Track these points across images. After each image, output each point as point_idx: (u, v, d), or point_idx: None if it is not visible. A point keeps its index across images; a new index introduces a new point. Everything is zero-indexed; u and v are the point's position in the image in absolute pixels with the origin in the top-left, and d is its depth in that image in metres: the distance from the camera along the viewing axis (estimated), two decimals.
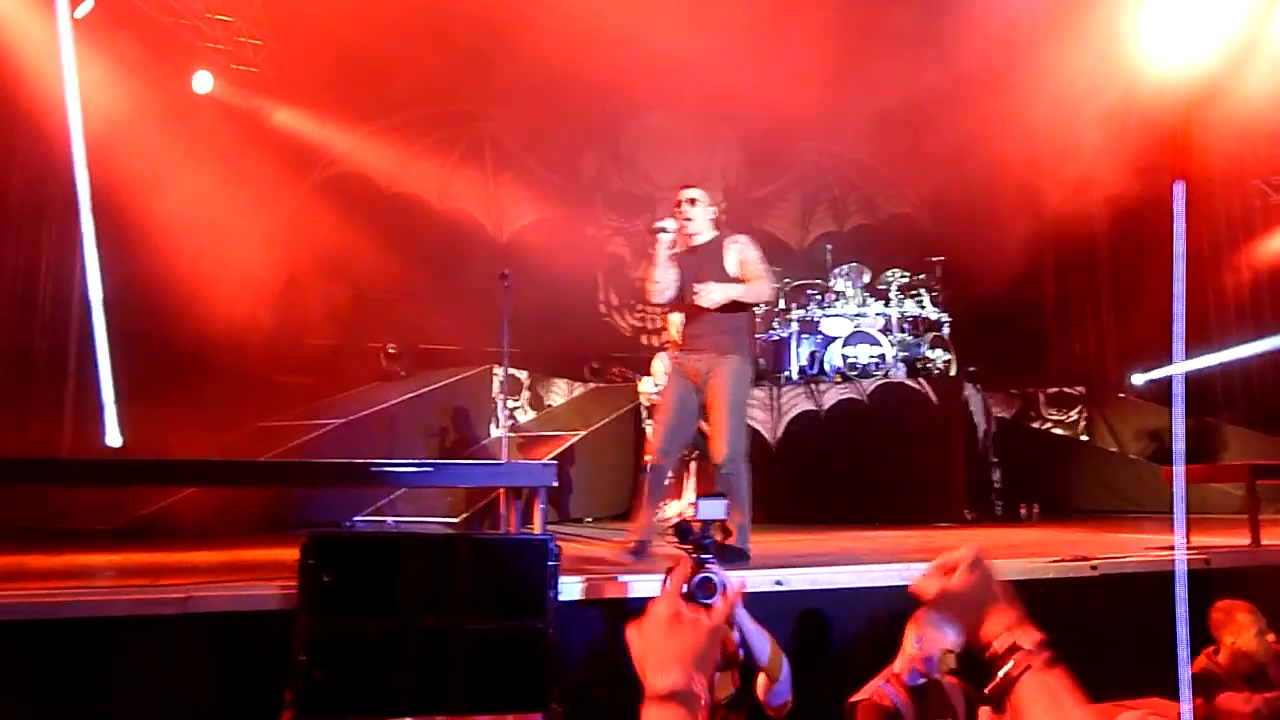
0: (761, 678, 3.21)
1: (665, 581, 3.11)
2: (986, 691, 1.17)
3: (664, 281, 4.76)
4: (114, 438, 7.61)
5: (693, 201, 4.81)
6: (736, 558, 4.40)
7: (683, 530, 3.27)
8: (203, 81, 9.66)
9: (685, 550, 3.17)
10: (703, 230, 4.83)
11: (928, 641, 3.35)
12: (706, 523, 3.23)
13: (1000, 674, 1.16)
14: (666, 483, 7.22)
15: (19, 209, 8.35)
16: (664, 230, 4.69)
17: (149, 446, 7.29)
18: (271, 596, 3.44)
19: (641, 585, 3.79)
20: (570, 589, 3.66)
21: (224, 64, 9.93)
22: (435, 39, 10.25)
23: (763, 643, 3.19)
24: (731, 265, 4.74)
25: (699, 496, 3.50)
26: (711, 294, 4.56)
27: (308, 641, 2.87)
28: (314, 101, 10.41)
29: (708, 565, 3.06)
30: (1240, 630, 3.71)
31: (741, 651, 3.20)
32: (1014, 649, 1.16)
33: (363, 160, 10.77)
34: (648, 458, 4.80)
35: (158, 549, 5.64)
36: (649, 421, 9.23)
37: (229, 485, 6.49)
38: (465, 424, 9.29)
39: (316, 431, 8.40)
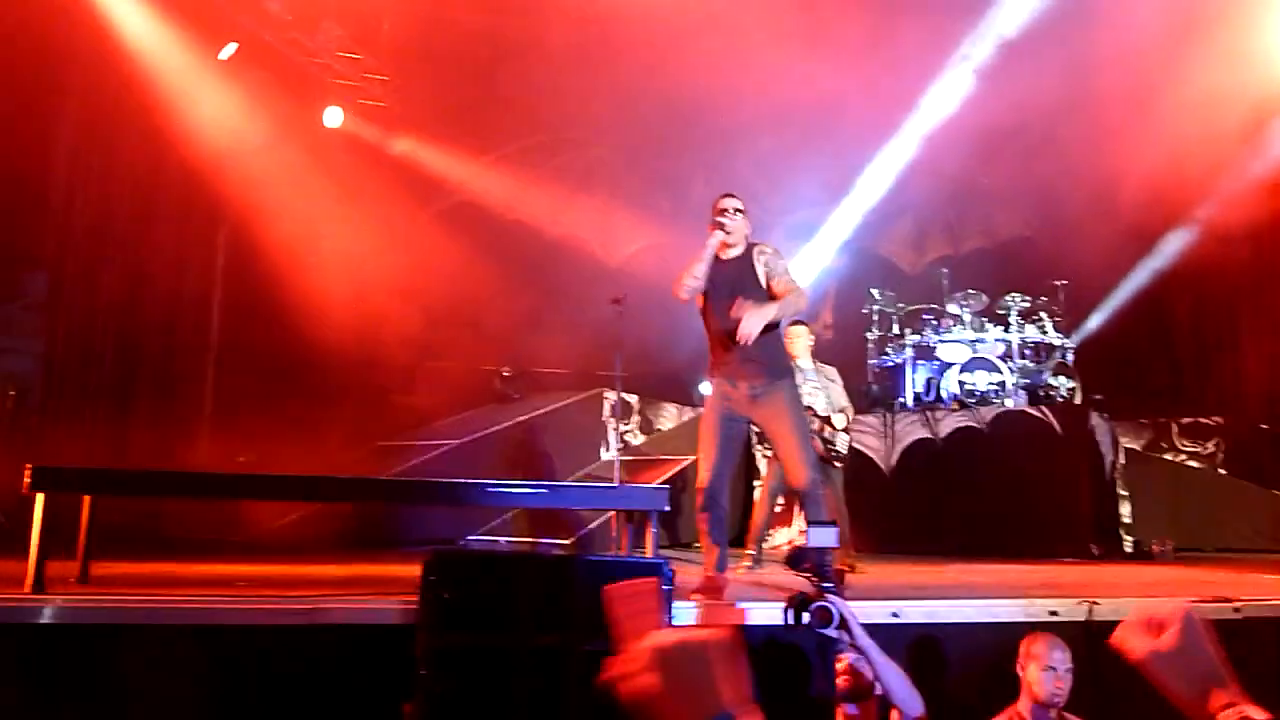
0: (895, 715, 3.13)
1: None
2: None
3: (701, 280, 4.51)
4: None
5: (738, 210, 4.60)
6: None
7: (796, 558, 3.23)
8: (333, 116, 10.14)
9: (805, 577, 3.14)
10: (739, 243, 4.61)
11: (1041, 670, 3.24)
12: (821, 550, 3.19)
13: None
14: (778, 509, 7.14)
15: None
16: (723, 227, 4.51)
17: (276, 463, 7.63)
18: (392, 610, 3.56)
19: (760, 612, 3.75)
20: (683, 614, 3.66)
21: (353, 99, 10.41)
22: (546, 66, 10.51)
23: (897, 678, 3.10)
24: (760, 275, 4.52)
25: (810, 524, 3.36)
26: (751, 325, 4.22)
27: (429, 656, 2.95)
28: (435, 133, 10.80)
29: (826, 594, 3.02)
30: None
31: (878, 685, 3.13)
32: None
33: (481, 189, 11.09)
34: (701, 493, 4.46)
35: (284, 561, 5.89)
36: (758, 446, 9.16)
37: (350, 501, 6.74)
38: (577, 447, 9.39)
39: (433, 452, 8.64)
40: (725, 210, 4.59)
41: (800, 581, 3.17)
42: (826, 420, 6.53)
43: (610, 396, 9.17)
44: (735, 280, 4.49)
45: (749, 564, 6.38)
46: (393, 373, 10.08)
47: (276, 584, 4.67)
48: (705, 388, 7.18)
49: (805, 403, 6.07)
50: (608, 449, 9.27)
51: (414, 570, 3.25)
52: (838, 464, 6.54)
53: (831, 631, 2.97)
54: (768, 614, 3.68)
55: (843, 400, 6.65)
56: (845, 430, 6.59)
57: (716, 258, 4.56)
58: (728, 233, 4.52)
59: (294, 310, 8.95)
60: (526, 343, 10.31)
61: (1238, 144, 9.37)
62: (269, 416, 8.42)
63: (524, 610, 2.94)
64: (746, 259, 4.59)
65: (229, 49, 8.88)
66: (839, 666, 3.17)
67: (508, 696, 2.98)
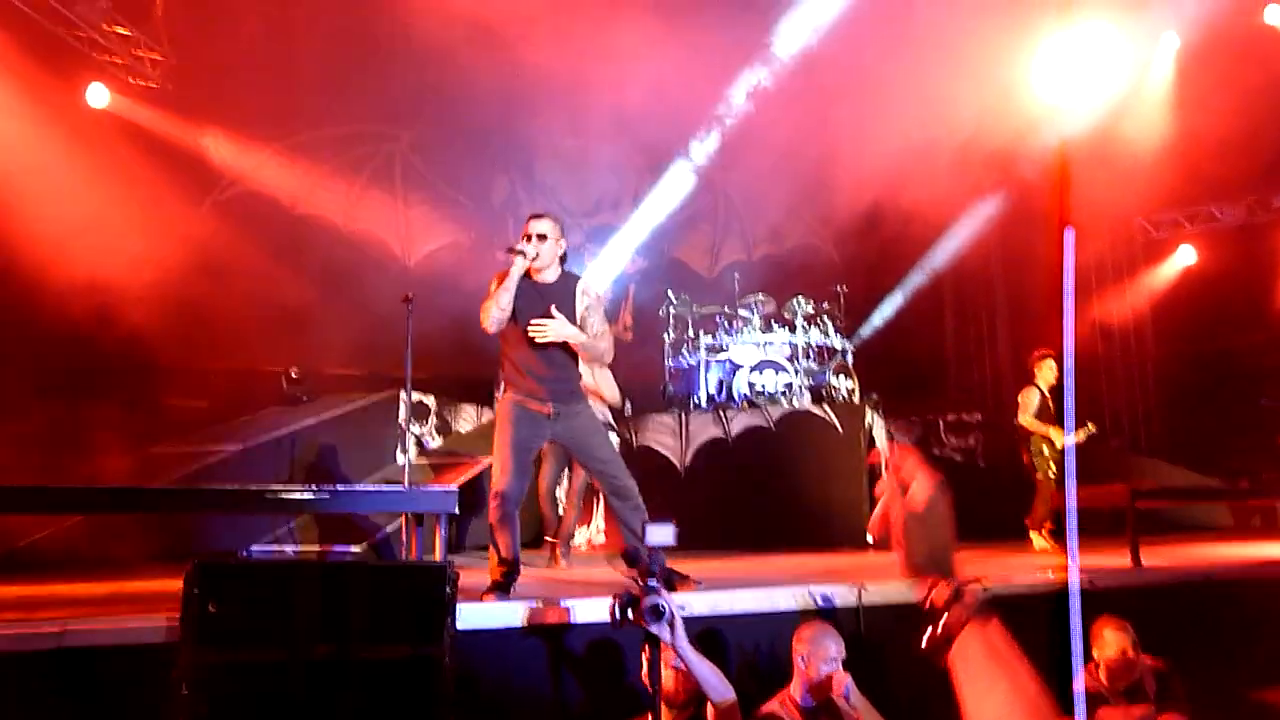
0: (710, 708, 3.20)
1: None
2: (924, 645, 1.15)
3: (507, 309, 4.41)
4: None
5: (542, 236, 4.44)
6: (683, 581, 4.39)
7: (631, 556, 3.24)
8: (98, 95, 9.32)
9: (632, 577, 3.15)
10: (549, 265, 4.51)
11: (812, 657, 3.40)
12: (655, 549, 3.22)
13: (939, 627, 1.14)
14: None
15: None
16: (523, 254, 4.36)
17: (27, 472, 6.93)
18: (156, 629, 3.30)
19: (586, 609, 3.81)
20: (502, 615, 3.63)
21: (122, 78, 9.61)
22: (342, 57, 10.14)
23: (707, 669, 3.18)
24: (577, 311, 4.49)
25: (646, 522, 3.39)
26: (556, 328, 4.32)
27: (191, 673, 2.76)
28: (214, 119, 10.15)
29: (656, 591, 3.05)
30: (1105, 646, 3.87)
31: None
32: (952, 600, 1.15)
33: (266, 180, 10.52)
34: (493, 500, 4.47)
35: (35, 582, 5.36)
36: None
37: (113, 512, 6.21)
38: (370, 450, 9.09)
39: (213, 458, 8.12)
40: (529, 235, 4.46)
41: (625, 580, 3.19)
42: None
43: (404, 398, 8.94)
44: (548, 302, 4.42)
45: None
46: (168, 374, 9.36)
47: (22, 606, 4.23)
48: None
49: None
50: (403, 452, 9.03)
51: (180, 585, 3.04)
52: None
53: (660, 629, 3.00)
54: (594, 611, 3.73)
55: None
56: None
57: (527, 276, 4.45)
58: (528, 259, 4.39)
59: (51, 308, 8.16)
60: (317, 343, 9.86)
61: (992, 163, 10.30)
62: (25, 420, 7.64)
63: (298, 620, 2.80)
64: (565, 287, 4.52)
65: None
66: (665, 669, 3.21)
67: (282, 712, 2.83)
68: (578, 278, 4.58)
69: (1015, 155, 10.27)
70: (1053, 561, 5.66)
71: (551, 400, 4.49)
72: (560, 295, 4.47)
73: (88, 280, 8.29)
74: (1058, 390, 7.81)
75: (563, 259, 4.58)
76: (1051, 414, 7.78)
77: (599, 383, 6.92)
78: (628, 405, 7.39)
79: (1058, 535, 7.20)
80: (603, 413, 6.82)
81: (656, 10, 9.28)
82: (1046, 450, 7.72)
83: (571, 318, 4.43)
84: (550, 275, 4.52)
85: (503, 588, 4.29)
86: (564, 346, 4.46)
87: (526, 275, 4.44)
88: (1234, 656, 4.73)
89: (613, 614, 3.06)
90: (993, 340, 13.55)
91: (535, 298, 4.44)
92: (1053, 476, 7.61)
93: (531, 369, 4.48)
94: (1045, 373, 7.93)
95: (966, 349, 13.80)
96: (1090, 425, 7.62)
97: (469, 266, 10.77)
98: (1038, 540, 7.50)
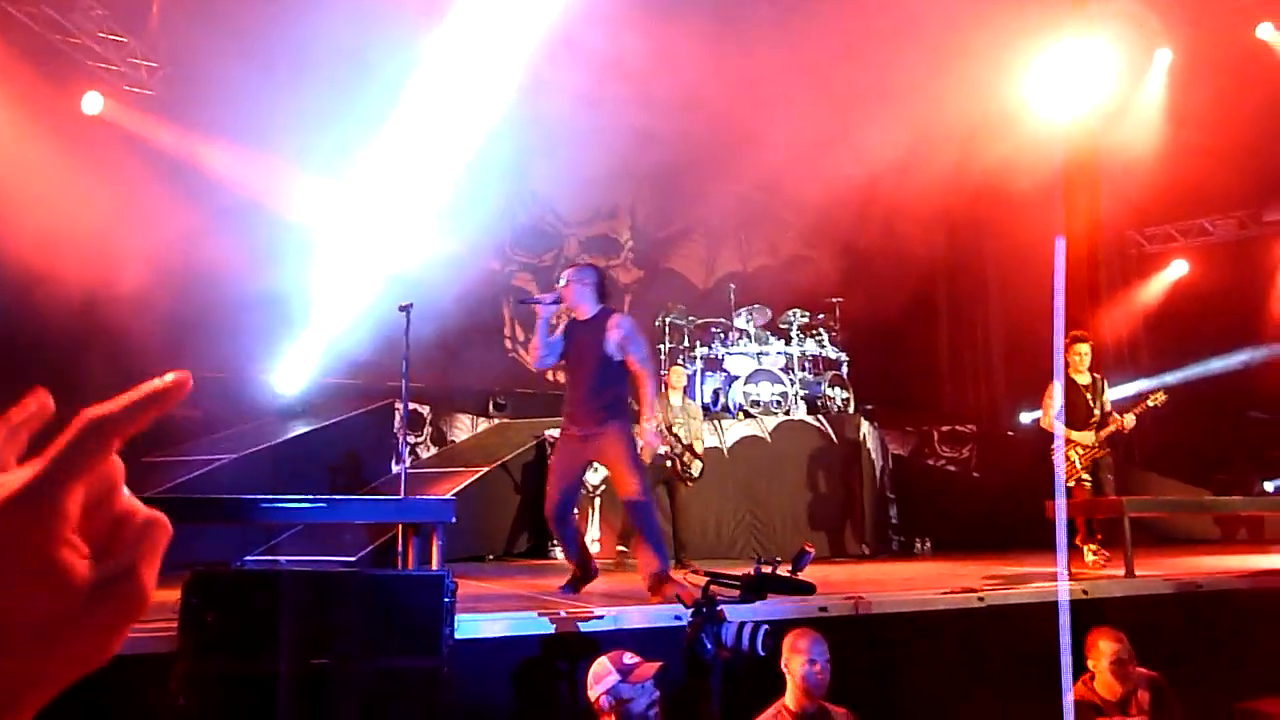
0: None
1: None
2: None
3: (546, 348, 5.02)
4: None
5: (568, 283, 5.02)
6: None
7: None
8: (92, 103, 9.32)
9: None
10: (583, 305, 5.03)
11: (802, 665, 3.42)
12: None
13: None
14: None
15: None
16: (540, 303, 4.99)
17: None
18: (147, 639, 3.29)
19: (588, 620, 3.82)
20: (500, 625, 3.65)
21: (117, 86, 9.61)
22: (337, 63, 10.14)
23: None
24: (611, 347, 4.90)
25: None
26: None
27: (187, 685, 2.75)
28: (209, 126, 10.14)
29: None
30: (1100, 656, 3.89)
31: None
32: None
33: (261, 189, 10.51)
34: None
35: None
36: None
37: None
38: (366, 460, 9.08)
39: (207, 467, 8.09)
40: (555, 283, 5.13)
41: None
42: (688, 448, 7.63)
43: (400, 407, 8.94)
44: (587, 344, 4.95)
45: None
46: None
47: None
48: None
49: (676, 431, 7.58)
50: (399, 461, 9.02)
51: (177, 595, 3.03)
52: (689, 484, 7.71)
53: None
54: (594, 622, 3.81)
55: (701, 433, 7.91)
56: (700, 457, 7.72)
57: (574, 319, 5.06)
58: (546, 305, 4.98)
59: (42, 314, 8.13)
60: (311, 352, 9.84)
61: (989, 176, 10.35)
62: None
63: (295, 631, 2.79)
64: (599, 325, 4.97)
65: None
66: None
67: None
68: (611, 312, 5.03)
69: (1010, 168, 10.33)
70: (1050, 571, 5.67)
71: (577, 424, 4.97)
72: (595, 334, 4.95)
73: (80, 286, 8.27)
74: (1092, 382, 6.97)
75: (603, 296, 5.10)
76: (1088, 408, 6.89)
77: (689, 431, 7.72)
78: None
79: (1104, 543, 6.64)
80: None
81: (657, 19, 9.31)
82: (1075, 456, 6.82)
83: (602, 353, 4.89)
84: (589, 314, 5.02)
85: (569, 585, 5.00)
86: (597, 374, 4.91)
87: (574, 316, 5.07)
88: (1226, 666, 4.75)
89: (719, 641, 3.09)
90: (987, 351, 13.60)
91: (576, 335, 5.03)
92: (1087, 485, 6.78)
93: (568, 398, 5.07)
94: (1075, 359, 6.88)
95: (961, 360, 13.84)
96: (1158, 395, 6.87)
97: (465, 277, 10.79)
98: (1088, 555, 6.55)
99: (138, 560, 0.46)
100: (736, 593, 4.13)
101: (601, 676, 3.08)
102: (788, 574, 4.18)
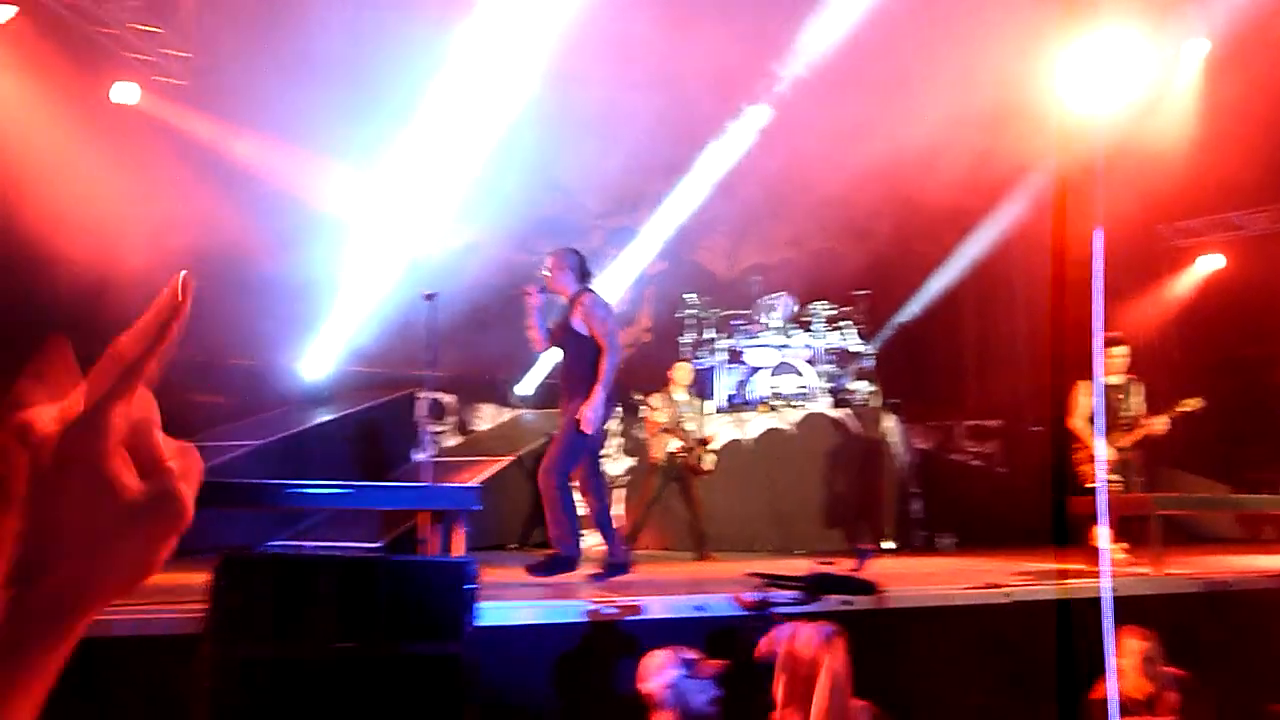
0: None
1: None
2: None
3: (539, 331, 5.35)
4: None
5: (550, 268, 5.36)
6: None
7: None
8: (123, 92, 9.40)
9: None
10: (564, 288, 5.35)
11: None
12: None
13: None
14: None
15: None
16: (528, 294, 5.27)
17: None
18: (176, 620, 3.33)
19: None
20: (523, 612, 3.66)
21: (148, 76, 9.69)
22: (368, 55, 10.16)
23: None
24: (578, 323, 5.19)
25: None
26: (592, 418, 5.03)
27: (216, 668, 2.78)
28: (241, 116, 10.21)
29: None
30: (1127, 655, 3.85)
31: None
32: None
33: (292, 179, 10.57)
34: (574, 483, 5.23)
35: None
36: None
37: None
38: (389, 448, 9.12)
39: (232, 453, 8.16)
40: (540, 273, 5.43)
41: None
42: (701, 442, 7.70)
43: (423, 396, 8.98)
44: (565, 324, 5.26)
45: None
46: (186, 369, 9.41)
47: None
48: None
49: (686, 427, 7.71)
50: (421, 450, 9.06)
51: (204, 578, 3.06)
52: (702, 476, 7.74)
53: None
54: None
55: (709, 426, 8.08)
56: (713, 450, 7.82)
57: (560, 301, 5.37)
58: (530, 293, 5.26)
59: (69, 300, 8.23)
60: (334, 339, 9.91)
61: (1022, 169, 10.25)
62: None
63: (322, 616, 2.81)
64: (574, 304, 5.29)
65: (6, 13, 8.08)
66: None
67: (303, 707, 2.85)
68: (583, 291, 5.30)
69: (1039, 160, 10.22)
70: (1076, 567, 5.62)
71: (565, 397, 5.26)
72: (570, 309, 5.28)
73: (106, 272, 8.36)
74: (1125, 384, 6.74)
75: (583, 277, 5.38)
76: (1116, 411, 6.69)
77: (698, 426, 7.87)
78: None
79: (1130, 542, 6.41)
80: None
81: (680, 10, 9.28)
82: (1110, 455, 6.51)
83: (573, 333, 5.19)
84: (568, 295, 5.33)
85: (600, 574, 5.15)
86: (571, 351, 5.22)
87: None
88: (1256, 667, 4.69)
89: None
90: (1013, 346, 13.46)
91: (560, 316, 5.34)
92: (1118, 487, 6.43)
93: (559, 376, 5.47)
94: (1109, 362, 6.55)
95: (987, 354, 13.71)
96: (1193, 401, 6.72)
97: (489, 267, 10.81)
98: (1115, 553, 6.11)
99: (178, 479, 0.53)
100: (799, 593, 4.03)
101: (661, 668, 3.09)
102: (849, 572, 4.10)
